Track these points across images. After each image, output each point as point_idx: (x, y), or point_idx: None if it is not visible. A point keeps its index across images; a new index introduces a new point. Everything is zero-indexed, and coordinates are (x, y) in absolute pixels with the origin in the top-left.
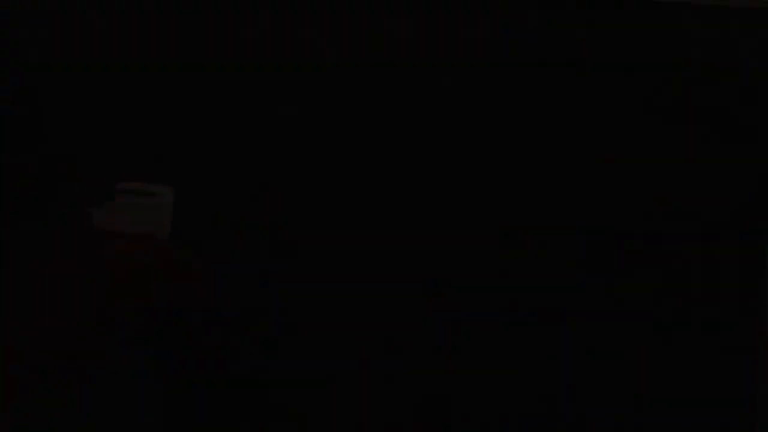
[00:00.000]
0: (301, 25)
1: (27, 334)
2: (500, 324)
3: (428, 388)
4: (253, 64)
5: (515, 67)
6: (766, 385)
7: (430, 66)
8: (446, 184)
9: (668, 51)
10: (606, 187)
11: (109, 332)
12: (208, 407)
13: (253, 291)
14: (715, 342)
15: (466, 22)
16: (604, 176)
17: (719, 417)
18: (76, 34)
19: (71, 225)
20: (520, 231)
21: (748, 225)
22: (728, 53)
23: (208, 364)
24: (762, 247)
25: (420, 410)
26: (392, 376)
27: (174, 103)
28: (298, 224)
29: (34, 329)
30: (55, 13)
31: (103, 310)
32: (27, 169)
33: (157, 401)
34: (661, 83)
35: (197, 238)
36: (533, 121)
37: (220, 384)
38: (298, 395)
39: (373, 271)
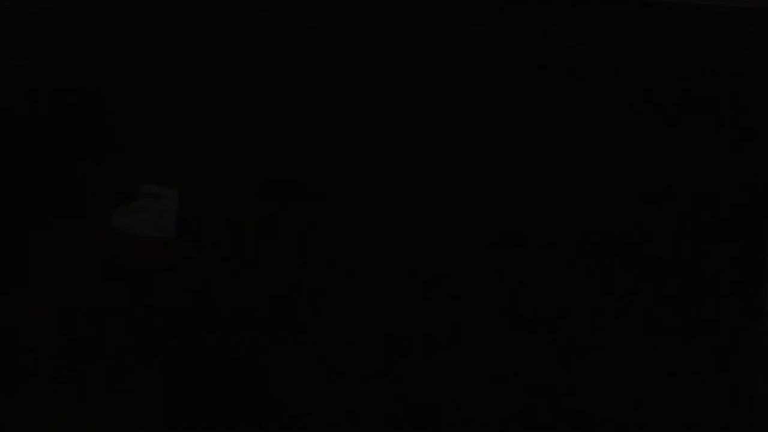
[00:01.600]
0: (303, 29)
1: (54, 326)
2: (499, 324)
3: (428, 388)
4: (253, 66)
5: (515, 67)
6: (766, 385)
7: (431, 66)
8: (446, 184)
9: (667, 51)
10: (606, 187)
11: (125, 328)
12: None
13: (257, 290)
14: (715, 342)
15: (468, 21)
16: (604, 177)
17: (719, 417)
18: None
19: (98, 225)
20: (522, 231)
21: (748, 225)
22: (728, 53)
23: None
24: (762, 247)
25: (420, 410)
26: (393, 376)
27: (175, 107)
28: (299, 224)
29: (61, 322)
30: (66, 20)
31: (126, 306)
32: (60, 172)
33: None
34: (661, 83)
35: (199, 238)
36: (533, 121)
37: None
38: (300, 392)
39: (374, 271)
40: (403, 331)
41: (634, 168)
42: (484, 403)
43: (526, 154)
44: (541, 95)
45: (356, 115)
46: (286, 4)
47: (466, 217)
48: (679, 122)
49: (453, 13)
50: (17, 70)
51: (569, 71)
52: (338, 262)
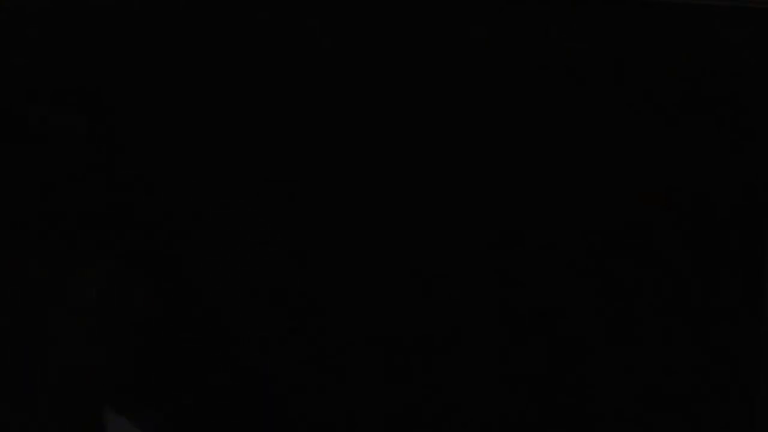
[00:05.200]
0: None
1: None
2: (500, 324)
3: (428, 389)
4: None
5: (515, 67)
6: (767, 385)
7: (431, 66)
8: (446, 184)
9: (667, 51)
10: (606, 187)
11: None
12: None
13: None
14: (716, 342)
15: (468, 21)
16: (604, 177)
17: (719, 417)
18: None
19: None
20: (522, 231)
21: (748, 225)
22: (728, 53)
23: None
24: (762, 247)
25: (419, 411)
26: (392, 376)
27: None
28: (297, 223)
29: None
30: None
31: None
32: None
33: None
34: (661, 83)
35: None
36: (533, 121)
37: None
38: (299, 393)
39: (374, 271)
40: (403, 331)
41: (634, 168)
42: (484, 403)
43: (525, 154)
44: (541, 95)
45: (356, 114)
46: (286, 4)
47: (465, 217)
48: (679, 122)
49: (453, 13)
50: (17, 70)
51: (569, 71)
52: (336, 262)
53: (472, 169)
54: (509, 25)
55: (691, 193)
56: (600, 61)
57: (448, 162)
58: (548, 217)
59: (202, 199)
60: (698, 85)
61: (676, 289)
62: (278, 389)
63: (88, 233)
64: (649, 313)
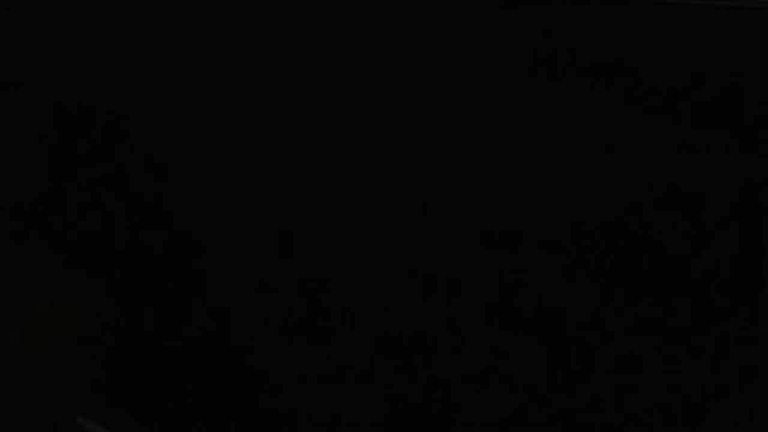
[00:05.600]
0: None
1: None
2: (499, 324)
3: (427, 389)
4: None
5: (515, 67)
6: (767, 385)
7: (430, 66)
8: (446, 184)
9: (667, 51)
10: (606, 187)
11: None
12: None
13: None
14: (716, 342)
15: (468, 21)
16: (604, 176)
17: (719, 417)
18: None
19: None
20: (522, 231)
21: (748, 225)
22: (728, 53)
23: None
24: (762, 247)
25: (418, 411)
26: (391, 376)
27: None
28: (297, 223)
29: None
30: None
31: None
32: None
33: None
34: (661, 83)
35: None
36: (533, 121)
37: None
38: (298, 393)
39: (373, 271)
40: (402, 332)
41: (634, 167)
42: (483, 404)
43: (525, 154)
44: (541, 95)
45: (356, 114)
46: (286, 4)
47: (465, 216)
48: (680, 122)
49: (453, 13)
50: (17, 70)
51: (569, 71)
52: (336, 262)
53: (472, 168)
54: (508, 25)
55: (692, 192)
56: (600, 61)
57: (448, 162)
58: (548, 216)
59: (182, 200)
60: (699, 85)
61: (676, 288)
62: (264, 391)
63: (58, 235)
64: (649, 312)
